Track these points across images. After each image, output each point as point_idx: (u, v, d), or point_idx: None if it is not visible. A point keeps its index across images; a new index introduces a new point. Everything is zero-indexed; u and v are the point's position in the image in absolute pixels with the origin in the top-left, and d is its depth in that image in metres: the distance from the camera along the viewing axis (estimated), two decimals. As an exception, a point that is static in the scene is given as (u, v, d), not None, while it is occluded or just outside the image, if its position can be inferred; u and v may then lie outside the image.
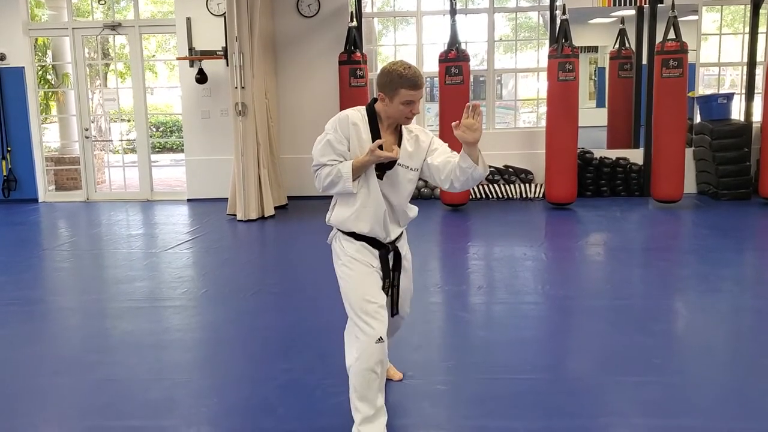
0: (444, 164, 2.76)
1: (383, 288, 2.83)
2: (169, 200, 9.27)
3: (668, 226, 7.29)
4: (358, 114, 2.77)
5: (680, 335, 4.26)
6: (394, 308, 2.97)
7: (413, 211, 2.96)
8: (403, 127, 2.82)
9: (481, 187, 8.57)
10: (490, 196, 8.60)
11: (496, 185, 8.61)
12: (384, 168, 2.75)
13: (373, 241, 2.82)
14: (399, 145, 2.78)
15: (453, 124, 2.66)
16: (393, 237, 2.87)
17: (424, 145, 2.82)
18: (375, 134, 2.74)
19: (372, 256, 2.82)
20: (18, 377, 3.67)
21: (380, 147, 2.66)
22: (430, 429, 3.06)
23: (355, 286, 2.77)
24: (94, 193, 9.50)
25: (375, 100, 2.81)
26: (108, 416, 3.20)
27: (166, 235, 7.21)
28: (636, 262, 5.90)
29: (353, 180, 2.70)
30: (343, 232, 2.85)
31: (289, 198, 8.53)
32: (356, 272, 2.79)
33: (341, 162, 2.72)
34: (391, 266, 2.89)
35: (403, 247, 2.98)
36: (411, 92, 2.64)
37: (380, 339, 2.67)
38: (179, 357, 3.97)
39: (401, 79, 2.63)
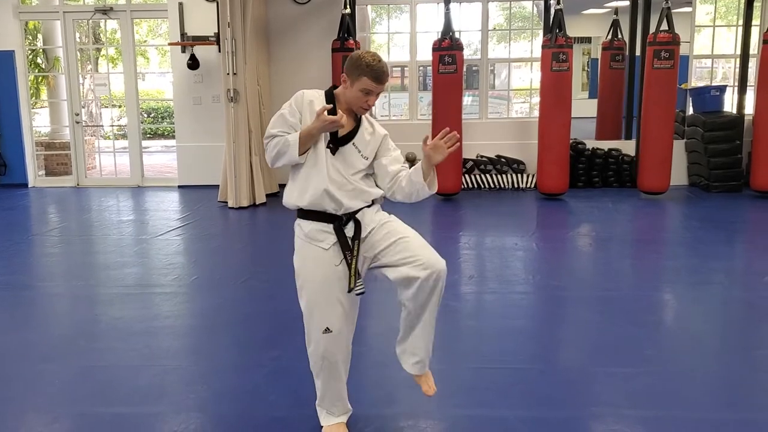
0: (395, 173, 2.75)
1: (347, 260, 2.68)
2: (159, 186, 9.22)
3: (659, 217, 7.31)
4: (315, 93, 2.78)
5: (671, 326, 4.28)
6: (351, 280, 2.71)
7: (373, 188, 2.79)
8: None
9: (473, 177, 8.57)
10: (482, 186, 8.59)
11: (488, 175, 8.60)
12: (338, 143, 2.70)
13: (325, 217, 2.71)
14: (357, 130, 2.74)
15: (424, 138, 2.65)
16: (349, 209, 2.71)
17: (378, 137, 2.78)
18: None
19: (325, 233, 2.70)
20: (6, 363, 3.66)
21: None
22: (419, 418, 3.06)
23: (305, 268, 2.74)
24: (84, 178, 9.44)
25: (335, 87, 2.79)
26: (97, 403, 3.19)
27: (156, 222, 7.18)
28: (627, 253, 5.91)
29: (302, 150, 2.66)
30: (298, 215, 2.78)
31: (281, 186, 8.48)
32: (307, 264, 2.74)
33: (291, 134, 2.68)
34: (352, 235, 2.72)
35: (366, 214, 2.75)
36: (372, 84, 2.64)
37: (327, 329, 2.70)
38: (169, 344, 3.96)
39: (367, 68, 2.63)
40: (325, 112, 2.58)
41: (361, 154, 2.74)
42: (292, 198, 2.76)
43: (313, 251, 2.71)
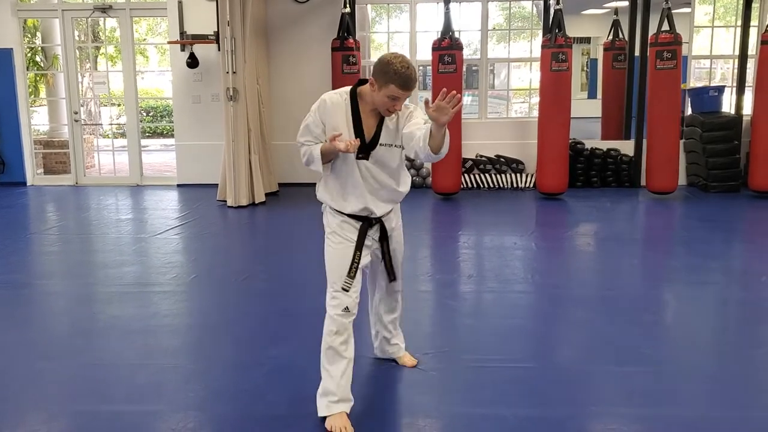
0: (413, 134, 2.79)
1: (353, 259, 2.88)
2: (158, 185, 9.22)
3: (658, 217, 7.32)
4: (338, 97, 2.85)
5: (669, 326, 4.28)
6: (390, 275, 3.10)
7: (405, 185, 3.01)
8: None
9: (472, 176, 8.57)
10: (482, 186, 8.60)
11: (487, 175, 8.60)
12: (368, 149, 2.83)
13: (356, 217, 2.92)
14: (380, 126, 2.84)
15: (425, 100, 2.68)
16: (380, 214, 2.95)
17: (402, 119, 2.87)
18: (355, 116, 2.83)
19: (353, 229, 2.92)
20: (4, 361, 3.65)
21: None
22: (417, 417, 3.06)
23: (333, 259, 2.91)
24: (83, 177, 9.44)
25: (362, 81, 2.87)
26: (95, 401, 3.19)
27: (155, 221, 7.17)
28: (625, 252, 5.91)
29: (325, 162, 2.83)
30: (330, 206, 2.96)
31: (280, 185, 8.50)
32: (336, 246, 2.91)
33: (316, 144, 2.85)
34: (378, 237, 3.00)
35: (392, 220, 3.05)
36: (399, 91, 2.70)
37: (346, 308, 2.85)
38: (167, 342, 3.95)
39: (395, 76, 2.67)
40: (338, 141, 2.69)
41: (392, 145, 2.87)
42: (329, 200, 2.94)
43: (343, 242, 2.90)
